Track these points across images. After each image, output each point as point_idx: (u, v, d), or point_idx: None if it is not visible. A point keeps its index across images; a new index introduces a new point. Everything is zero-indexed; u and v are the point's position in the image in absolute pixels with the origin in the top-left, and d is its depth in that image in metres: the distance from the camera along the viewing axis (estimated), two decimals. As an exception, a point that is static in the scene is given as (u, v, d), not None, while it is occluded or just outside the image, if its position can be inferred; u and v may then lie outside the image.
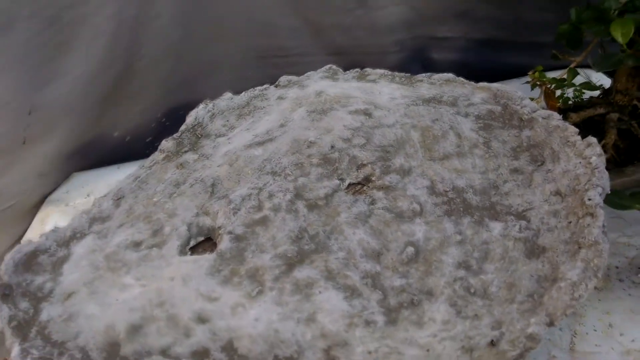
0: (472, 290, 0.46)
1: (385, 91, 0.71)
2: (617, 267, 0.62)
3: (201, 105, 0.67)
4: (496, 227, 0.52)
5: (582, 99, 0.75)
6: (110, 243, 0.51)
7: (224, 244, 0.50)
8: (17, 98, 0.59)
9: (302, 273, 0.47)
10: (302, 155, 0.60)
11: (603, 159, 0.52)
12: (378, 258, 0.49)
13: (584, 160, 0.53)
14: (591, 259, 0.44)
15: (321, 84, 0.73)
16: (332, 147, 0.61)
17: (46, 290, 0.45)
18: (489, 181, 0.57)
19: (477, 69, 0.96)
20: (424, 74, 0.74)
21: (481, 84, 0.69)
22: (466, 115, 0.66)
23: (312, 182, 0.57)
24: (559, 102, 0.70)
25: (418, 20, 0.91)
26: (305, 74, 0.75)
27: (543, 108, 0.64)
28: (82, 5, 0.60)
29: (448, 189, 0.56)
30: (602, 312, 0.57)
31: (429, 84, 0.72)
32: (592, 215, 0.47)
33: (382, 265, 0.49)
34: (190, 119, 0.65)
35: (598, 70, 0.58)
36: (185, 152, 0.62)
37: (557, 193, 0.53)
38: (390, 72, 0.75)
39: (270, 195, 0.55)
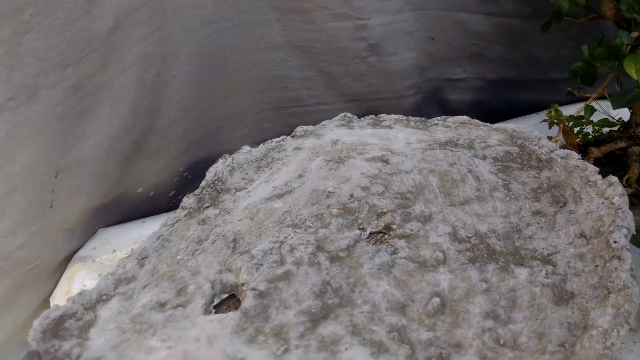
0: (502, 342, 0.45)
1: (401, 136, 0.72)
2: (649, 306, 0.61)
3: (220, 160, 0.68)
4: (522, 273, 0.51)
5: (602, 132, 0.75)
6: (135, 304, 0.51)
7: (248, 301, 0.50)
8: (44, 164, 0.61)
9: (328, 329, 0.47)
10: (322, 205, 0.61)
11: (626, 198, 0.52)
12: (403, 310, 0.49)
13: (607, 200, 0.53)
14: (621, 305, 0.43)
15: (337, 132, 0.74)
16: (351, 196, 0.62)
17: (74, 356, 0.46)
18: (512, 225, 0.57)
19: (493, 108, 0.99)
20: (438, 118, 0.74)
21: (496, 125, 0.70)
22: (484, 157, 0.66)
23: (333, 233, 0.57)
24: (579, 138, 0.70)
25: (431, 63, 0.93)
26: (321, 123, 0.77)
27: (562, 145, 0.64)
28: (102, 73, 0.62)
29: (471, 235, 0.56)
30: (638, 355, 0.56)
31: (444, 127, 0.73)
32: (619, 258, 0.46)
33: (407, 317, 0.48)
34: (210, 174, 0.66)
35: (615, 108, 0.58)
36: (207, 207, 0.63)
37: (582, 235, 0.52)
38: (405, 117, 0.76)
39: (292, 249, 0.55)
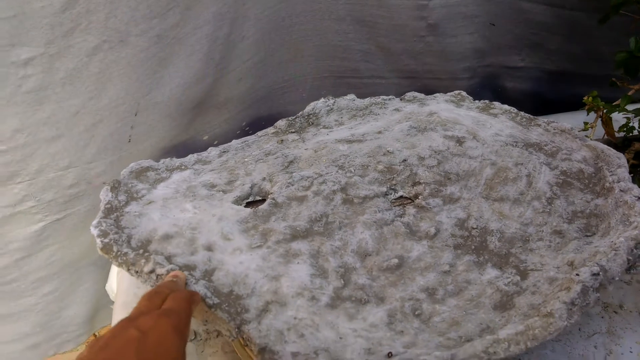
0: (417, 313, 0.48)
1: (497, 127, 0.72)
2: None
3: (322, 100, 0.78)
4: (491, 273, 0.52)
5: None
6: (197, 179, 0.67)
7: (263, 205, 0.61)
8: (126, 102, 0.71)
9: (298, 245, 0.56)
10: (374, 159, 0.67)
11: (629, 243, 0.47)
12: (364, 258, 0.55)
13: (617, 240, 0.49)
14: (534, 328, 0.43)
15: (442, 106, 0.77)
16: (404, 160, 0.66)
17: (140, 195, 0.64)
18: (524, 234, 0.56)
19: (549, 100, 0.97)
20: (545, 119, 0.71)
21: (591, 142, 0.65)
22: (555, 168, 0.63)
23: (363, 183, 0.64)
24: (624, 131, 0.69)
25: (490, 49, 0.93)
26: (434, 94, 0.80)
27: (599, 140, 0.64)
28: (182, 27, 0.71)
29: (476, 227, 0.57)
30: None
31: (543, 130, 0.70)
32: (568, 289, 0.45)
33: (362, 264, 0.54)
34: (308, 108, 0.77)
35: None
36: (292, 132, 0.75)
37: (571, 264, 0.50)
38: (515, 110, 0.75)
39: (323, 182, 0.64)
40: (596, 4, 0.72)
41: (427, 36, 0.87)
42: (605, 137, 0.69)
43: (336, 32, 0.87)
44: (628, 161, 0.61)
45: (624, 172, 0.58)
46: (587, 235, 0.54)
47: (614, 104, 0.64)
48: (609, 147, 0.62)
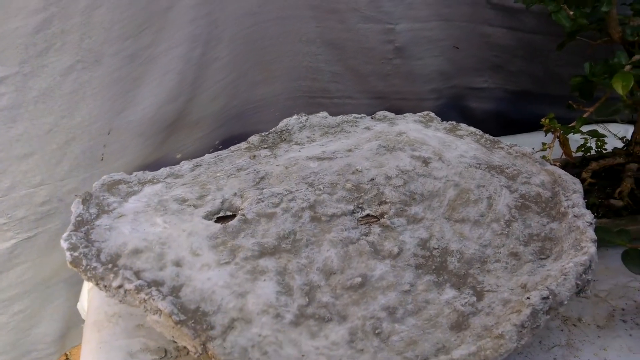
0: (377, 331, 0.50)
1: (462, 148, 0.74)
2: (623, 309, 0.64)
3: (295, 116, 0.80)
4: (449, 293, 0.54)
5: (605, 149, 0.79)
6: (169, 193, 0.68)
7: (233, 221, 0.63)
8: (99, 121, 0.72)
9: (265, 262, 0.57)
10: (343, 178, 0.69)
11: (578, 269, 0.50)
12: (329, 276, 0.57)
13: (568, 265, 0.51)
14: (485, 349, 0.45)
15: (410, 126, 0.80)
16: (372, 179, 0.69)
17: (111, 208, 0.65)
18: (482, 255, 0.58)
19: (512, 119, 1.03)
20: (508, 143, 0.74)
21: (550, 166, 0.68)
22: (514, 190, 0.66)
23: (331, 201, 0.65)
24: (581, 151, 0.77)
25: (455, 71, 0.98)
26: (404, 114, 0.82)
27: (558, 160, 0.71)
28: (155, 47, 0.73)
29: (437, 247, 0.59)
30: (599, 347, 0.59)
31: (506, 153, 0.73)
32: (518, 312, 0.47)
33: (327, 282, 0.56)
34: (281, 124, 0.79)
35: (597, 117, 0.63)
36: (264, 148, 0.76)
37: (524, 286, 0.52)
38: (480, 132, 0.77)
39: (292, 199, 0.65)
40: (555, 28, 0.76)
41: (394, 59, 0.91)
42: (563, 157, 0.74)
43: (307, 54, 0.90)
44: (585, 180, 0.65)
45: (578, 197, 0.61)
46: (541, 258, 0.57)
47: (570, 125, 0.68)
48: (566, 173, 0.65)
